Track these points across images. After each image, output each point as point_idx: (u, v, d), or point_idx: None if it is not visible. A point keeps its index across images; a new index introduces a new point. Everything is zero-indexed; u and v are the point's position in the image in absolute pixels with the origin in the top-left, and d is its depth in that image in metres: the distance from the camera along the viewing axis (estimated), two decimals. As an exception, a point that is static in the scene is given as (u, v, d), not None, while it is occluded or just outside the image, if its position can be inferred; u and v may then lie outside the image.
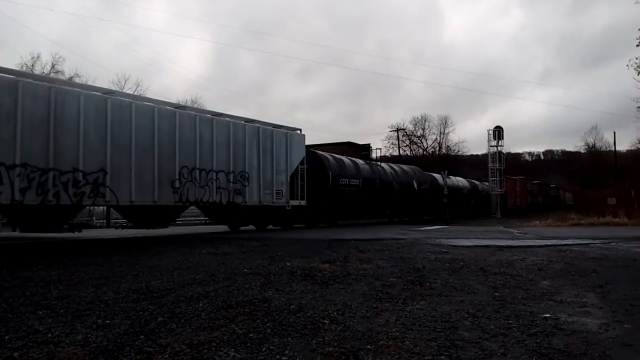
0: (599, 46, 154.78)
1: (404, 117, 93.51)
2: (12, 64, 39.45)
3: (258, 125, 17.85)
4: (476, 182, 45.58)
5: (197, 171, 14.92)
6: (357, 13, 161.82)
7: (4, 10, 68.79)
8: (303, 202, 19.47)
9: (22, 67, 38.08)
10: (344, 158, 24.83)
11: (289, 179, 18.56)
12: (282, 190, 18.21)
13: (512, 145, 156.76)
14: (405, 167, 33.40)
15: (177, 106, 16.26)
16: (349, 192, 23.85)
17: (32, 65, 40.28)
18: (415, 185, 31.25)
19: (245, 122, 17.52)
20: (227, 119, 16.77)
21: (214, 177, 15.45)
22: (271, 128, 18.41)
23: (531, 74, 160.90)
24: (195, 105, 51.71)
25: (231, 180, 16.05)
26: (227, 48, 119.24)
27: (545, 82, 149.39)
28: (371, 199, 26.33)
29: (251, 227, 19.35)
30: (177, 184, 14.33)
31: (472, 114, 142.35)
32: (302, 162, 19.56)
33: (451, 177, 38.62)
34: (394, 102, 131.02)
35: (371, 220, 30.33)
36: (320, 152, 23.44)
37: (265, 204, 17.50)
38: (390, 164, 31.28)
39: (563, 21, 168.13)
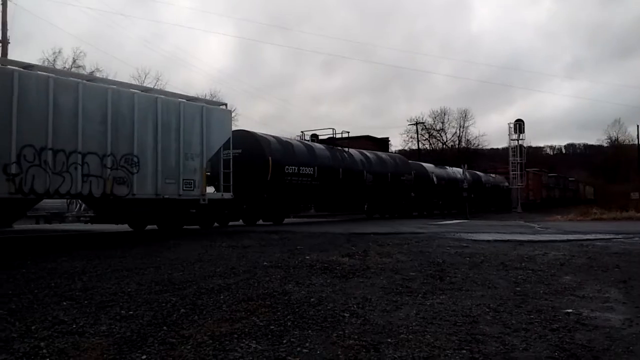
0: (631, 37, 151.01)
1: (427, 110, 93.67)
2: (34, 59, 40.01)
3: (156, 95, 13.77)
4: (479, 174, 41.15)
5: (50, 152, 10.85)
6: (383, 4, 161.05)
7: (30, 7, 69.85)
8: (228, 195, 15.29)
9: (43, 62, 38.51)
10: (294, 141, 21.17)
11: (205, 166, 14.61)
12: (193, 180, 14.07)
13: (534, 138, 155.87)
14: (382, 154, 28.12)
15: (25, 65, 11.92)
16: (299, 182, 19.74)
17: (54, 60, 40.71)
18: (395, 176, 26.60)
19: (141, 91, 13.81)
20: (105, 84, 12.94)
21: (79, 161, 11.33)
22: (177, 100, 14.28)
23: (559, 65, 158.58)
24: (214, 99, 52.02)
25: (109, 165, 11.91)
26: (250, 42, 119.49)
27: (572, 75, 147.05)
28: (332, 192, 22.26)
29: (197, 226, 15.89)
30: (13, 169, 10.46)
31: (497, 106, 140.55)
32: (227, 146, 15.47)
33: (447, 167, 35.51)
34: (418, 96, 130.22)
35: (334, 218, 26.63)
36: (258, 134, 19.45)
37: (166, 196, 13.34)
38: (362, 151, 25.89)
39: (595, 10, 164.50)
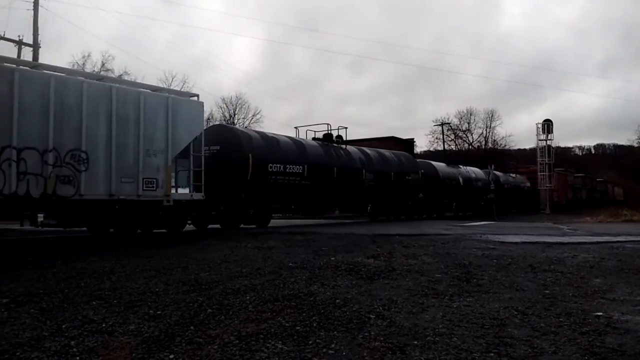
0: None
1: (454, 111, 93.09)
2: (64, 62, 40.91)
3: (110, 84, 12.16)
4: (498, 174, 38.53)
5: None
6: (412, 5, 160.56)
7: (61, 11, 71.54)
8: (198, 196, 13.60)
9: (73, 65, 39.34)
10: (281, 137, 19.25)
11: (170, 163, 12.88)
12: (156, 179, 12.42)
13: (563, 139, 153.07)
14: (385, 152, 25.74)
15: None
16: (285, 182, 17.79)
17: (83, 64, 41.52)
18: (399, 175, 24.73)
19: (96, 79, 12.44)
20: (47, 71, 11.30)
21: (13, 157, 9.96)
22: (136, 90, 12.66)
23: (591, 64, 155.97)
24: (239, 102, 52.23)
25: (51, 162, 10.44)
26: (278, 44, 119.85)
27: (604, 74, 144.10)
28: (325, 192, 20.46)
29: (169, 230, 14.15)
30: None
31: (526, 106, 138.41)
32: (198, 141, 13.71)
33: (461, 167, 33.77)
34: (445, 96, 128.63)
35: (340, 220, 25.33)
36: (238, 129, 17.78)
37: (122, 197, 11.74)
38: (362, 148, 23.92)
39: (628, 8, 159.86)
